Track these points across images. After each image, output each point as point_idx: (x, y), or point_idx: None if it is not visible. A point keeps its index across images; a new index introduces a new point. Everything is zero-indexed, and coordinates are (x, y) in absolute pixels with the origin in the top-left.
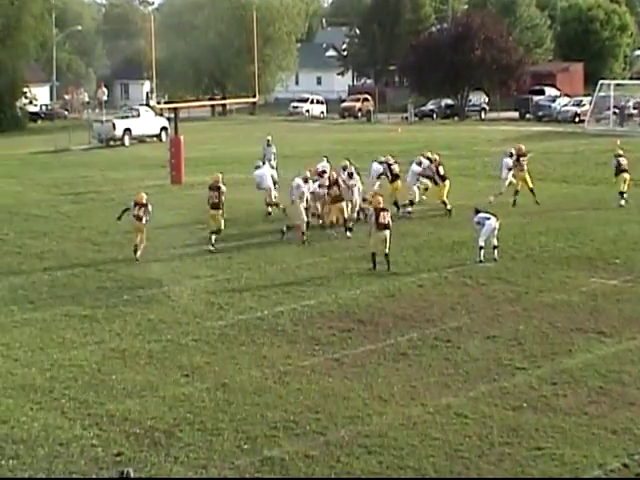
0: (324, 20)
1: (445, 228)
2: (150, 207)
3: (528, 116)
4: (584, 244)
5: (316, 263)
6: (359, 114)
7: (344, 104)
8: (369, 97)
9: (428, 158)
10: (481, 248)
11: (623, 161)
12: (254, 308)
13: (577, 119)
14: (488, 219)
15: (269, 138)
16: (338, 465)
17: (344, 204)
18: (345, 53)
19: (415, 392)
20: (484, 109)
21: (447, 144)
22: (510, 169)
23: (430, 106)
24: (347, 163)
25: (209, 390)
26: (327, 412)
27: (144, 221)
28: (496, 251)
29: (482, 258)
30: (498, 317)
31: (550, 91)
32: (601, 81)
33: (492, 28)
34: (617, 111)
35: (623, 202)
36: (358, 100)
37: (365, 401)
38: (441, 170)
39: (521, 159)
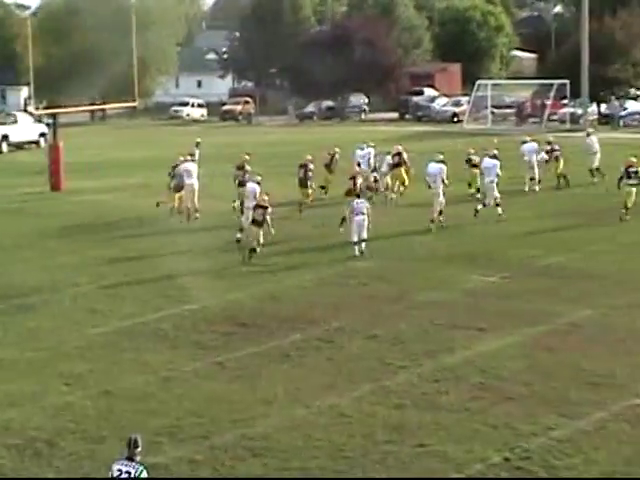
0: (204, 23)
1: (329, 228)
2: None
3: (407, 116)
4: (464, 242)
5: (197, 268)
6: (240, 117)
7: (225, 107)
8: (250, 100)
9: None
10: (354, 243)
11: (475, 158)
12: (136, 314)
13: (455, 119)
14: (357, 215)
15: (198, 140)
16: (223, 469)
17: None
18: (225, 56)
19: (299, 393)
20: (364, 110)
21: (328, 145)
22: (391, 167)
23: (311, 108)
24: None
25: (91, 398)
26: (211, 416)
27: None
28: (363, 245)
29: (357, 253)
30: (380, 316)
31: (429, 91)
32: (478, 81)
33: (371, 30)
34: (514, 110)
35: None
36: (239, 103)
37: (249, 404)
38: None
39: (399, 157)
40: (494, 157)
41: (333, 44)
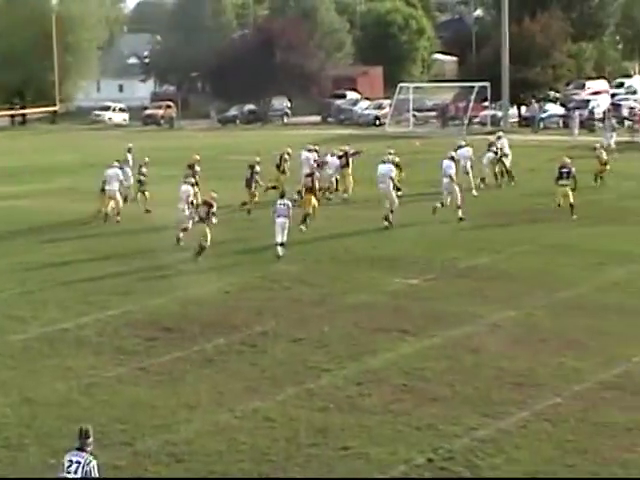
0: (125, 27)
1: (249, 231)
2: None
3: (330, 120)
4: (386, 245)
5: (120, 273)
6: (162, 121)
7: (147, 111)
8: (172, 104)
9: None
10: (276, 244)
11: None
12: (58, 320)
13: (377, 122)
14: (278, 217)
15: (130, 145)
16: (146, 474)
17: None
18: (147, 60)
19: (222, 398)
20: (286, 114)
21: (251, 149)
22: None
23: (233, 112)
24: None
25: (12, 405)
26: (134, 422)
27: None
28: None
29: (280, 254)
30: (303, 320)
31: (351, 95)
32: (400, 84)
33: (293, 33)
34: (437, 113)
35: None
36: (160, 107)
37: (172, 409)
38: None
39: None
40: (451, 159)
41: (255, 48)
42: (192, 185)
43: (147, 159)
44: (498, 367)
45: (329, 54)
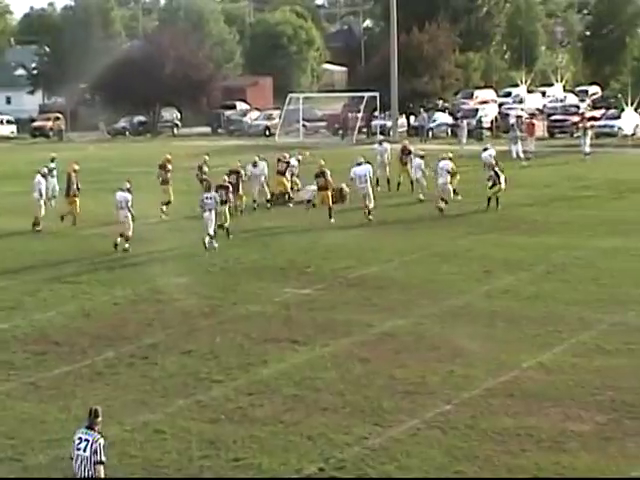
0: (12, 39)
1: (141, 243)
2: None
3: (220, 131)
4: (277, 255)
5: (6, 287)
6: (51, 133)
7: (35, 123)
8: (60, 116)
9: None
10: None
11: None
12: None
13: (268, 132)
14: (205, 211)
15: (53, 155)
16: None
17: None
18: (35, 72)
19: (112, 411)
20: (176, 125)
21: (140, 160)
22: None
23: (122, 123)
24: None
25: None
26: (24, 437)
27: None
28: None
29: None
30: (194, 332)
31: (241, 105)
32: (290, 95)
33: (182, 45)
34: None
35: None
36: (49, 119)
37: (62, 424)
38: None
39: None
40: (363, 163)
41: (144, 59)
42: (129, 191)
43: (207, 157)
44: (388, 376)
45: (219, 65)
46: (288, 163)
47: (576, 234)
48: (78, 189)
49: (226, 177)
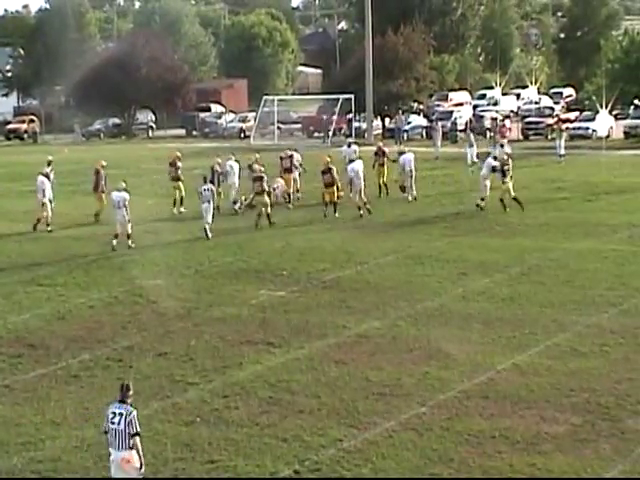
0: None
1: (117, 245)
2: None
3: (195, 133)
4: (252, 257)
5: None
6: (25, 135)
7: (9, 126)
8: (35, 118)
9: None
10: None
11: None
12: None
13: (243, 134)
14: (203, 202)
15: (50, 158)
16: None
17: None
18: (10, 74)
19: (88, 414)
20: (151, 127)
21: (115, 163)
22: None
23: (97, 125)
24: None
25: None
26: None
27: None
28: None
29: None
30: (169, 334)
31: (216, 108)
32: (265, 97)
33: (157, 47)
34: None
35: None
36: (24, 121)
37: (37, 426)
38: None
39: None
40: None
41: (119, 61)
42: (125, 190)
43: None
44: (364, 378)
45: (194, 67)
46: (291, 157)
47: (551, 236)
48: (105, 185)
49: (257, 166)
